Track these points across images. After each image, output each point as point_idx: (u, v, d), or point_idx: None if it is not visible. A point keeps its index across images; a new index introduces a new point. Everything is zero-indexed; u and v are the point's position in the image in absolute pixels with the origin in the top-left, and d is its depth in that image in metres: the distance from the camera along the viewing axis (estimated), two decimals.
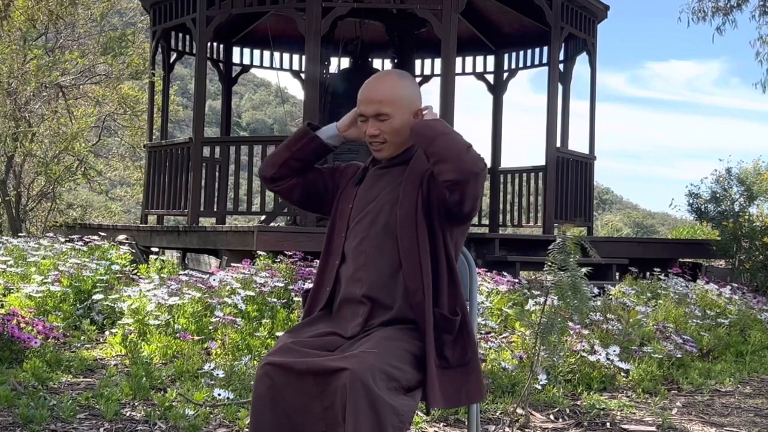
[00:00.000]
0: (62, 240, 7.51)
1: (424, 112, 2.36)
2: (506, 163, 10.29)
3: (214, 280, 5.22)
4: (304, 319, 2.47)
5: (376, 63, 10.41)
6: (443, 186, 2.22)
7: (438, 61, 9.29)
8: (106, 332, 5.10)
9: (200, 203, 8.31)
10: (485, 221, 10.74)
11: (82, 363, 4.23)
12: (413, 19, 8.90)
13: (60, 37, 11.68)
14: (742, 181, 9.41)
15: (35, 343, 4.17)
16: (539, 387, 4.07)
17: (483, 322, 4.88)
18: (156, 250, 7.46)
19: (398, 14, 9.20)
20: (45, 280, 5.55)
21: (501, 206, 10.08)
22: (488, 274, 6.03)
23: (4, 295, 5.64)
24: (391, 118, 2.36)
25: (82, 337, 4.97)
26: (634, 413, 3.94)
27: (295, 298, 5.29)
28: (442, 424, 3.56)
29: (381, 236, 2.33)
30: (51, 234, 8.80)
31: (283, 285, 5.36)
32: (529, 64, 10.13)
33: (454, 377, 2.26)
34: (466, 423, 3.49)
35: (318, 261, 2.52)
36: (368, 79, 2.44)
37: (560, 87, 9.09)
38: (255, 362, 4.27)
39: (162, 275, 6.15)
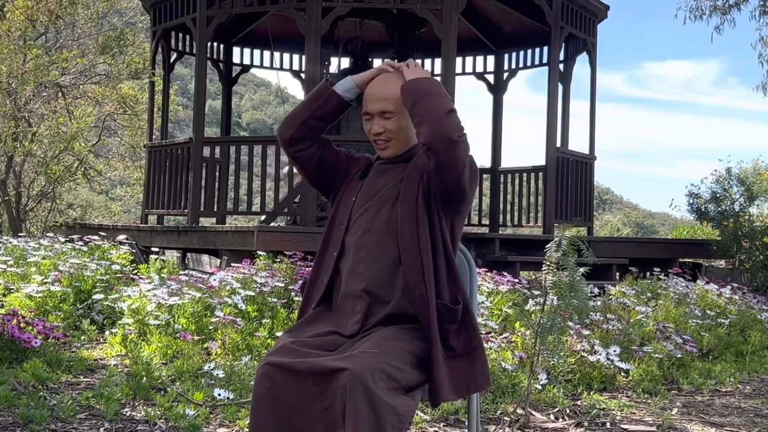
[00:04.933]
0: (62, 240, 7.51)
1: (405, 67, 2.37)
2: (506, 163, 10.31)
3: (214, 280, 5.22)
4: (300, 312, 2.47)
5: (376, 63, 10.40)
6: (422, 150, 2.27)
7: (438, 61, 9.28)
8: (106, 332, 5.10)
9: (200, 203, 8.31)
10: (485, 221, 10.74)
11: (82, 363, 4.23)
12: (413, 19, 8.90)
13: (60, 37, 11.68)
14: (742, 181, 9.40)
15: (35, 343, 4.17)
16: (539, 387, 4.07)
17: (483, 323, 4.88)
18: (156, 250, 7.46)
19: (398, 14, 9.20)
20: (45, 280, 5.55)
21: (501, 206, 10.07)
22: (488, 274, 6.03)
23: (4, 295, 5.64)
24: (396, 116, 2.36)
25: (82, 337, 4.97)
26: (634, 413, 3.94)
27: (295, 298, 5.29)
28: (442, 423, 3.56)
29: (382, 231, 2.34)
30: (51, 234, 8.80)
31: (283, 285, 5.36)
32: (529, 64, 10.12)
33: (461, 367, 2.27)
34: (466, 423, 3.49)
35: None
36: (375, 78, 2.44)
37: (560, 87, 9.09)
38: (255, 362, 4.27)
39: (162, 275, 6.15)
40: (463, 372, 2.27)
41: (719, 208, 9.38)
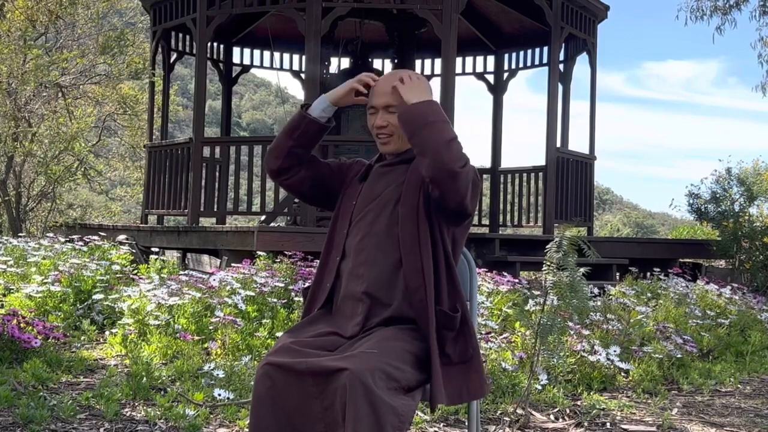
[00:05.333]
0: (62, 240, 7.51)
1: (400, 84, 2.31)
2: (506, 163, 10.31)
3: (214, 280, 5.22)
4: (303, 315, 2.47)
5: (376, 63, 10.40)
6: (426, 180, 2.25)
7: (438, 61, 9.29)
8: (106, 332, 5.10)
9: (200, 203, 8.31)
10: (485, 221, 10.74)
11: (82, 363, 4.23)
12: (413, 19, 8.90)
13: (60, 37, 11.68)
14: (742, 181, 9.40)
15: (35, 343, 4.17)
16: (539, 387, 4.07)
17: (483, 323, 4.88)
18: (156, 250, 7.46)
19: (398, 14, 9.20)
20: (45, 280, 5.55)
21: (501, 206, 10.07)
22: (488, 274, 6.03)
23: (5, 295, 5.64)
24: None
25: (82, 337, 4.97)
26: (634, 413, 3.94)
27: (296, 298, 5.29)
28: (442, 424, 3.56)
29: (383, 234, 2.34)
30: (51, 234, 8.79)
31: (283, 285, 5.36)
32: (529, 64, 10.12)
33: (457, 374, 2.26)
34: (467, 423, 3.49)
35: (319, 258, 2.52)
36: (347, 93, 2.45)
37: (560, 87, 9.09)
38: (255, 362, 4.27)
39: (162, 275, 6.15)
40: (458, 380, 2.26)
41: (719, 209, 9.38)
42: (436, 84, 8.57)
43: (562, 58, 9.21)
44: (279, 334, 4.60)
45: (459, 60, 9.96)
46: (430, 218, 2.31)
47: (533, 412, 3.78)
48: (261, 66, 10.69)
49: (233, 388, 3.73)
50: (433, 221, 2.32)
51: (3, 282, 5.83)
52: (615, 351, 4.53)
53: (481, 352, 4.35)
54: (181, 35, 9.61)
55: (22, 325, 4.35)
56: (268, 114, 63.04)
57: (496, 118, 10.35)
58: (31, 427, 3.09)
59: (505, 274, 6.23)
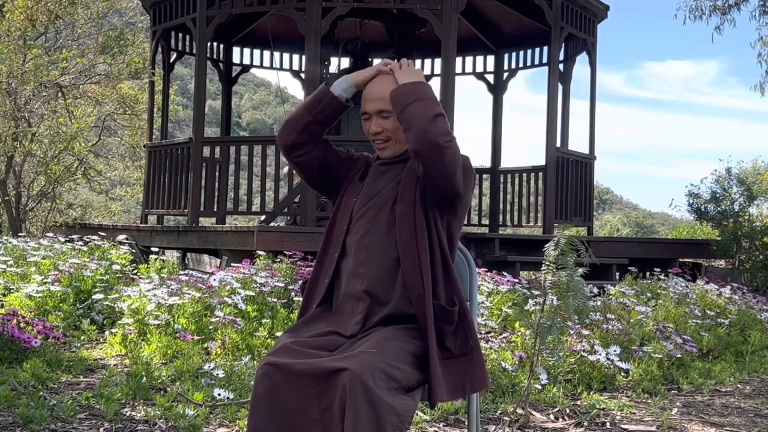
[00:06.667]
0: (62, 240, 7.51)
1: (397, 68, 2.36)
2: (506, 163, 10.31)
3: (214, 280, 5.22)
4: (301, 311, 2.47)
5: (376, 63, 10.38)
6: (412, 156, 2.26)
7: (438, 61, 9.29)
8: (106, 332, 5.10)
9: (200, 203, 8.31)
10: (485, 221, 10.74)
11: (82, 363, 4.23)
12: (413, 19, 8.90)
13: (60, 37, 11.68)
14: (742, 181, 9.40)
15: (35, 343, 4.17)
16: (539, 387, 4.07)
17: (483, 322, 4.88)
18: (156, 250, 7.46)
19: (398, 14, 9.20)
20: (45, 280, 5.55)
21: (501, 206, 10.08)
22: (488, 274, 6.03)
23: (4, 295, 5.65)
24: (394, 115, 2.36)
25: (82, 337, 4.97)
26: (634, 413, 3.94)
27: (295, 298, 5.29)
28: (442, 423, 3.56)
29: (382, 232, 2.34)
30: (51, 234, 8.80)
31: (283, 285, 5.36)
32: (529, 64, 10.12)
33: (457, 367, 2.27)
34: (466, 423, 3.49)
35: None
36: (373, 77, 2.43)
37: (560, 87, 9.09)
38: (255, 362, 4.27)
39: (162, 275, 6.15)
40: (459, 373, 2.27)
41: (719, 208, 9.38)
42: (436, 84, 8.57)
43: (562, 58, 9.21)
44: (279, 334, 4.60)
45: (459, 60, 9.96)
46: (426, 214, 2.32)
47: (533, 412, 3.78)
48: (261, 66, 10.69)
49: (233, 387, 3.74)
50: (430, 217, 2.32)
51: (3, 282, 5.83)
52: (615, 351, 4.53)
53: (482, 351, 4.36)
54: (181, 35, 9.61)
55: (22, 324, 4.35)
56: (268, 114, 63.00)
57: (496, 118, 10.35)
58: (31, 426, 3.09)
59: (505, 273, 6.23)
